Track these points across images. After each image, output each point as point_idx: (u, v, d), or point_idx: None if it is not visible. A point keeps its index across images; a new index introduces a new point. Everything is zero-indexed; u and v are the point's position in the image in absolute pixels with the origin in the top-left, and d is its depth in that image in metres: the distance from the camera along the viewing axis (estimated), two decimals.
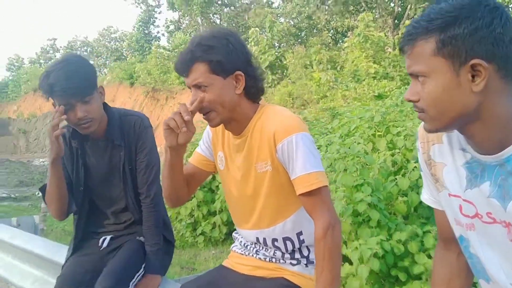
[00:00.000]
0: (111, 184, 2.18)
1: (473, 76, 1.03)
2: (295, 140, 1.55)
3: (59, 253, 2.66)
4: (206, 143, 1.84)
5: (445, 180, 1.23)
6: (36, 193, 11.26)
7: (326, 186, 1.56)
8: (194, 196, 5.85)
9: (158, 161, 2.20)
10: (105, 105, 2.15)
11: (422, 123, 1.21)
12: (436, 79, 1.06)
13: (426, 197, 1.35)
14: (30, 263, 3.03)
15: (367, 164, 3.97)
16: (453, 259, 1.34)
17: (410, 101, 1.12)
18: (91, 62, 2.20)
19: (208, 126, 1.81)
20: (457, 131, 1.15)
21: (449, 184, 1.21)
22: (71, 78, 1.93)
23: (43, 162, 18.31)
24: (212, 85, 1.57)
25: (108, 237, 2.23)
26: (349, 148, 4.06)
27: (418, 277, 3.43)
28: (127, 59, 32.83)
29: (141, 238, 2.18)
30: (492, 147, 1.08)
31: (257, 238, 1.74)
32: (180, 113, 1.55)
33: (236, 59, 1.59)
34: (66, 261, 2.25)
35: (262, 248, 1.76)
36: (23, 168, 17.08)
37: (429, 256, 3.40)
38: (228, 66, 1.58)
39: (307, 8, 19.76)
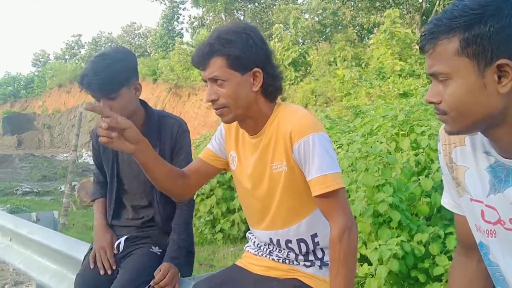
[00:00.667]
0: (140, 181, 2.21)
1: (499, 77, 0.98)
2: (312, 140, 1.51)
3: (77, 248, 2.68)
4: (218, 140, 1.81)
5: (467, 184, 1.17)
6: (59, 188, 11.45)
7: (343, 188, 1.52)
8: (214, 194, 5.86)
9: None
10: (144, 103, 2.22)
11: (443, 125, 1.16)
12: (460, 80, 1.01)
13: (446, 201, 1.30)
14: (48, 258, 3.07)
15: (389, 164, 3.89)
16: (472, 266, 1.29)
17: (431, 102, 1.06)
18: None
19: (221, 124, 1.78)
20: (481, 134, 1.09)
21: (471, 189, 1.16)
22: (98, 74, 1.99)
23: (66, 157, 18.62)
24: (229, 80, 1.54)
25: (123, 239, 2.24)
26: (371, 147, 3.99)
27: (438, 279, 3.38)
28: (151, 55, 33.12)
29: (155, 249, 2.18)
30: None
31: (271, 239, 1.71)
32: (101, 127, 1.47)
33: (255, 56, 1.55)
34: (85, 256, 2.30)
35: (276, 249, 1.73)
36: (46, 162, 17.38)
37: (450, 258, 3.34)
38: (246, 62, 1.54)
39: (332, 4, 19.58)
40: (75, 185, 9.42)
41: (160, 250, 2.18)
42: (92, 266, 2.16)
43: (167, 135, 2.18)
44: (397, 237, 3.45)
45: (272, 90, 1.61)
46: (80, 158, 17.85)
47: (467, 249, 1.29)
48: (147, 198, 2.24)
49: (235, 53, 1.52)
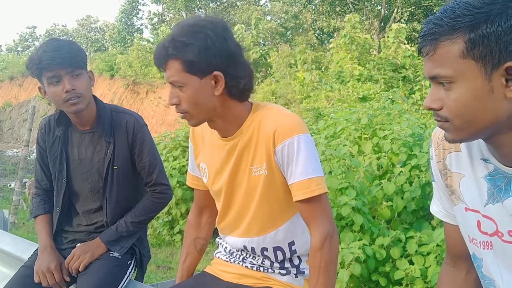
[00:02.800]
0: (90, 180, 2.06)
1: (506, 81, 0.92)
2: (297, 141, 1.42)
3: (28, 250, 2.51)
4: (192, 159, 1.73)
5: (462, 192, 1.11)
6: (8, 184, 10.97)
7: (326, 192, 1.45)
8: (173, 194, 5.73)
9: (160, 159, 2.12)
10: (94, 97, 2.07)
11: (437, 128, 1.10)
12: (465, 85, 0.93)
13: (436, 209, 1.23)
14: None
15: (352, 167, 3.91)
16: (460, 277, 1.24)
17: (431, 109, 0.99)
18: None
19: (190, 137, 1.71)
20: (480, 139, 1.04)
21: (466, 197, 1.10)
22: (60, 49, 1.89)
23: (17, 152, 17.86)
24: (186, 85, 1.43)
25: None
26: (335, 150, 3.99)
27: (399, 283, 3.41)
28: (108, 50, 32.35)
29: (115, 254, 2.03)
30: None
31: (245, 246, 1.62)
32: None
33: (213, 58, 1.41)
34: (32, 254, 2.13)
35: (250, 256, 1.64)
36: None
37: (411, 262, 3.38)
38: (203, 66, 1.41)
39: (294, 7, 19.71)
40: (26, 182, 9.03)
41: (121, 256, 2.04)
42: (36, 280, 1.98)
43: (121, 132, 2.03)
44: (359, 240, 3.47)
45: (237, 92, 1.48)
46: (32, 154, 17.16)
47: (456, 259, 1.25)
48: (98, 200, 2.08)
49: (190, 57, 1.40)
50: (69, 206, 2.13)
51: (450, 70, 0.94)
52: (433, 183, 1.22)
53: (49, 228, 2.12)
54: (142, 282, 2.17)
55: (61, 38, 2.11)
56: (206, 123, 1.55)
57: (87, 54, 2.17)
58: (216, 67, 1.42)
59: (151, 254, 2.30)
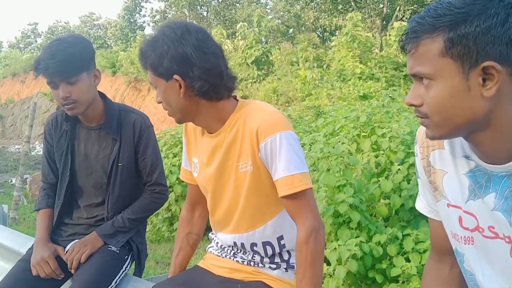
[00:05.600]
0: (94, 176, 2.10)
1: (483, 80, 0.94)
2: (279, 138, 1.45)
3: (27, 245, 2.54)
4: (185, 154, 1.77)
5: (444, 189, 1.13)
6: (9, 180, 11.00)
7: (311, 188, 1.47)
8: (173, 190, 5.76)
9: (161, 160, 2.17)
10: (103, 95, 2.11)
11: (421, 126, 1.12)
12: (443, 82, 0.96)
13: (421, 206, 1.26)
14: None
15: (350, 165, 3.92)
16: (445, 271, 1.26)
17: (411, 105, 1.01)
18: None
19: (183, 133, 1.74)
20: (462, 137, 1.05)
21: (449, 194, 1.12)
22: (55, 57, 1.89)
23: (18, 149, 17.90)
24: (158, 87, 1.53)
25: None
26: (333, 147, 4.00)
27: (395, 280, 3.42)
28: (112, 47, 32.38)
29: (113, 248, 2.06)
30: (500, 156, 0.99)
31: (235, 243, 1.65)
32: None
33: (168, 63, 1.47)
34: (30, 248, 2.16)
35: (240, 251, 1.67)
36: None
37: (408, 260, 3.39)
38: (162, 70, 1.49)
39: (296, 6, 19.70)
40: (26, 178, 9.06)
41: (118, 248, 2.07)
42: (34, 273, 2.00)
43: (128, 131, 2.08)
44: (356, 237, 3.48)
45: (202, 92, 1.50)
46: (33, 150, 17.21)
47: (441, 254, 1.26)
48: (101, 195, 2.12)
49: (151, 62, 1.50)
50: (70, 199, 2.17)
51: (430, 68, 0.96)
52: (418, 179, 1.24)
53: (48, 222, 2.16)
54: (141, 273, 2.21)
55: (64, 36, 2.06)
56: None
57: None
58: (174, 71, 1.48)
59: (150, 250, 2.33)
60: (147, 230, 2.38)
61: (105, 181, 2.09)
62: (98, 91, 2.11)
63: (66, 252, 2.06)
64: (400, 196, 3.75)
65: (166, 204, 5.80)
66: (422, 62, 0.97)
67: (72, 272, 2.02)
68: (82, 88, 1.96)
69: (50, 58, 1.90)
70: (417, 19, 0.97)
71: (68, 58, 1.90)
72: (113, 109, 2.10)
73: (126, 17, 34.97)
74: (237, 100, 1.60)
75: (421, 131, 1.19)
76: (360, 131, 4.42)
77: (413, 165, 3.84)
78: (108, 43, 37.11)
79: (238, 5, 26.60)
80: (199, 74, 1.48)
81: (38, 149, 18.05)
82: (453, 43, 0.93)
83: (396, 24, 12.44)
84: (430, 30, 0.95)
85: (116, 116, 2.09)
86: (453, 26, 0.93)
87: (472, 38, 0.92)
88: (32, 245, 2.16)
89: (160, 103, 1.58)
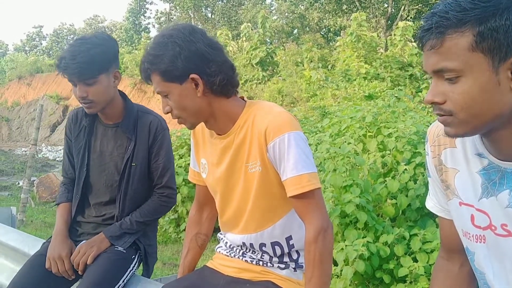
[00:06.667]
0: (106, 173, 2.12)
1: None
2: (287, 139, 1.46)
3: (35, 246, 2.55)
4: (193, 155, 1.77)
5: (457, 187, 1.13)
6: (17, 183, 11.06)
7: (319, 188, 1.48)
8: (179, 192, 5.77)
9: (173, 164, 2.19)
10: (124, 95, 2.15)
11: (433, 124, 1.12)
12: (473, 78, 0.93)
13: (431, 204, 1.25)
14: (5, 256, 2.92)
15: (357, 165, 3.91)
16: (454, 270, 1.26)
17: (433, 103, 0.99)
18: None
19: (191, 134, 1.75)
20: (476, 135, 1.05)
21: (461, 192, 1.12)
22: (76, 58, 1.93)
23: (25, 151, 17.99)
24: (170, 93, 1.50)
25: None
26: (339, 148, 4.00)
27: (403, 280, 3.42)
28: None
29: (120, 248, 2.07)
30: None
31: (244, 243, 1.65)
32: None
33: (186, 63, 1.47)
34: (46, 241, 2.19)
35: (249, 251, 1.67)
36: (4, 157, 16.66)
37: (415, 260, 3.39)
38: (178, 72, 1.47)
39: (300, 7, 19.70)
40: (34, 181, 9.11)
41: (125, 249, 2.08)
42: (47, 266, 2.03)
43: (144, 131, 2.10)
44: (363, 238, 3.47)
45: (218, 88, 1.52)
46: (40, 153, 17.29)
47: (450, 253, 1.26)
48: (110, 194, 2.13)
49: (164, 67, 1.47)
50: (84, 196, 2.19)
51: (458, 63, 0.94)
52: (428, 178, 1.23)
53: (67, 216, 2.18)
54: (150, 274, 2.22)
55: (89, 36, 2.05)
56: None
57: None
58: (191, 70, 1.48)
59: (157, 251, 2.33)
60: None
61: (117, 179, 2.11)
62: (119, 91, 2.14)
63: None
64: (407, 196, 3.74)
65: None
66: (449, 57, 0.95)
67: (79, 274, 2.03)
68: (99, 89, 1.99)
69: (71, 58, 1.94)
70: (440, 14, 0.95)
71: (88, 60, 1.93)
72: (132, 109, 2.13)
73: (131, 19, 35.09)
74: (245, 101, 1.61)
75: (432, 129, 1.18)
76: (366, 131, 4.42)
77: (419, 165, 3.83)
78: None
79: (243, 6, 26.62)
80: (216, 68, 1.50)
81: (45, 151, 18.14)
82: (484, 37, 0.92)
83: (401, 24, 12.40)
84: (458, 24, 0.93)
85: (134, 116, 2.11)
86: (483, 20, 0.92)
87: (502, 31, 0.91)
88: (48, 239, 2.18)
89: (168, 113, 1.55)
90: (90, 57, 1.94)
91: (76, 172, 2.19)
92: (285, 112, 1.53)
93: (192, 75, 1.48)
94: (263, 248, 1.63)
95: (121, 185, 2.10)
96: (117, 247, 2.06)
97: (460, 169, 1.12)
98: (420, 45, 0.99)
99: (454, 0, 0.95)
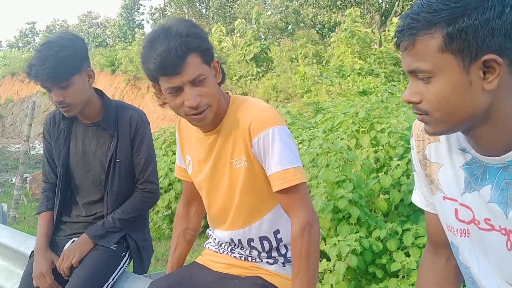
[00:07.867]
0: (92, 173, 2.11)
1: (484, 73, 0.93)
2: (272, 134, 1.45)
3: (27, 243, 2.55)
4: (179, 152, 1.77)
5: (440, 181, 1.13)
6: (10, 179, 11.01)
7: (304, 182, 1.47)
8: (172, 188, 5.76)
9: (155, 158, 2.16)
10: (100, 92, 2.11)
11: (417, 120, 1.11)
12: (444, 78, 0.94)
13: (417, 199, 1.25)
14: None
15: (349, 160, 3.92)
16: (441, 264, 1.26)
17: (410, 102, 0.99)
18: None
19: (176, 131, 1.73)
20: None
21: (445, 187, 1.12)
22: (45, 63, 1.88)
23: (18, 148, 17.89)
24: (208, 77, 1.43)
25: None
26: (332, 143, 4.00)
27: (395, 275, 3.42)
28: (114, 46, 32.35)
29: (112, 246, 2.07)
30: (497, 148, 0.99)
31: (232, 239, 1.65)
32: None
33: (211, 46, 1.49)
34: (32, 253, 2.15)
35: (238, 247, 1.67)
36: None
37: (407, 254, 3.40)
38: (211, 53, 1.47)
39: (294, 2, 19.67)
40: (26, 177, 9.06)
41: (116, 246, 2.08)
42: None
43: (125, 127, 2.08)
44: (355, 233, 3.48)
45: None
46: (33, 150, 17.20)
47: (437, 247, 1.26)
48: (99, 192, 2.12)
49: (206, 46, 1.44)
50: (70, 197, 2.18)
51: (429, 64, 0.95)
52: (414, 173, 1.23)
53: (47, 226, 2.15)
54: (146, 271, 2.22)
55: (55, 39, 1.98)
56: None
57: (88, 49, 2.11)
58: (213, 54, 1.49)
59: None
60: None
61: (104, 177, 2.09)
62: (95, 88, 2.11)
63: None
64: (399, 191, 3.75)
65: (166, 202, 5.81)
66: (421, 58, 0.95)
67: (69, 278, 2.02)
68: (75, 91, 1.95)
69: (40, 64, 1.89)
70: (412, 15, 0.95)
71: (58, 64, 1.89)
72: (110, 106, 2.10)
73: (124, 15, 34.94)
74: (229, 96, 1.60)
75: (417, 124, 1.18)
76: (359, 127, 4.42)
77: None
78: (108, 41, 37.08)
79: (237, 1, 26.56)
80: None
81: (38, 148, 18.04)
82: (453, 38, 0.92)
83: (395, 20, 12.42)
84: (427, 26, 0.93)
85: (113, 113, 2.09)
86: (451, 21, 0.91)
87: (471, 31, 0.91)
88: (32, 252, 2.16)
89: (197, 105, 1.43)
90: (60, 60, 1.89)
91: (58, 175, 2.16)
92: (269, 107, 1.53)
93: (216, 59, 1.50)
94: (252, 244, 1.62)
95: (107, 183, 2.09)
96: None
97: (443, 164, 1.12)
98: (396, 45, 1.00)
99: (427, 1, 0.95)
